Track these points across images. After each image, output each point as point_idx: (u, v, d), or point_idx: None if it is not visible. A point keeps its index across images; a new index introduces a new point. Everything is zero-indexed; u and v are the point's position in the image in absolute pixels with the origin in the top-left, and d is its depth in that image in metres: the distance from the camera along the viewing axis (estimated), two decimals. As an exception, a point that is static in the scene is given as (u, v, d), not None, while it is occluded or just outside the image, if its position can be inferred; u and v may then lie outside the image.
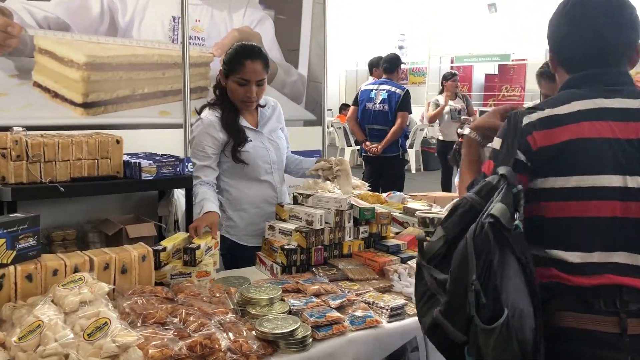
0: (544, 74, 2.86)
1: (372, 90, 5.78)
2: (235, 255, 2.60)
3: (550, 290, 1.36)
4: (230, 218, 2.62)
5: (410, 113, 5.76)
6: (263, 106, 2.68)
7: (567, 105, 1.42)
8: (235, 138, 2.52)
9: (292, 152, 2.84)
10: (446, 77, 7.84)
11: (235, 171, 2.57)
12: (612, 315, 1.31)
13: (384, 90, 5.70)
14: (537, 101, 3.10)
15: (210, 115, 2.54)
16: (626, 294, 1.32)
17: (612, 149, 1.36)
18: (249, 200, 2.61)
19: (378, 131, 5.68)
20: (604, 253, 1.34)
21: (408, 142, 11.51)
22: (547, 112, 1.42)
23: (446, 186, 7.38)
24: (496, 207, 1.25)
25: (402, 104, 5.63)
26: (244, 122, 2.58)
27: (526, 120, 1.42)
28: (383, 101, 5.65)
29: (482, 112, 8.80)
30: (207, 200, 2.43)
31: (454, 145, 6.78)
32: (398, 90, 5.67)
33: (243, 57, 2.46)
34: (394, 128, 5.62)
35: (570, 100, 1.43)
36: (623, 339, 1.30)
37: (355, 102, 5.90)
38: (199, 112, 2.60)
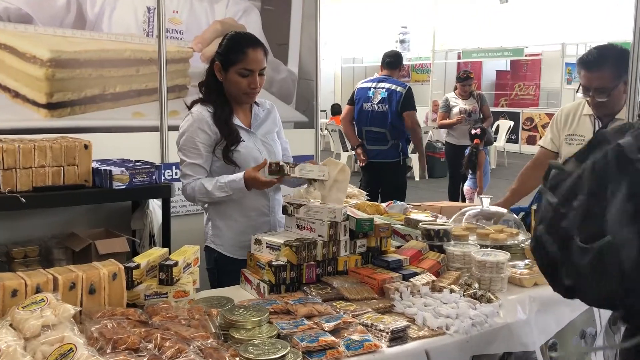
0: (585, 62, 2.82)
1: (369, 88, 5.77)
2: (222, 269, 2.61)
3: None
4: (217, 227, 2.63)
5: (415, 111, 5.74)
6: (258, 105, 2.73)
7: None
8: (229, 136, 2.56)
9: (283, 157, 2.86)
10: (460, 79, 7.70)
11: (223, 171, 2.58)
12: None
13: (383, 88, 5.69)
14: (580, 97, 3.10)
15: (202, 111, 2.59)
16: None
17: None
18: (238, 208, 2.62)
19: (375, 134, 5.67)
20: None
21: (410, 147, 11.54)
22: None
23: (454, 195, 7.38)
24: (626, 139, 1.30)
25: (406, 102, 5.61)
26: (236, 121, 2.62)
27: None
28: (382, 101, 5.65)
29: (493, 113, 8.81)
30: (224, 177, 2.52)
31: (468, 149, 6.81)
32: (399, 88, 5.65)
33: (244, 45, 2.54)
34: (413, 137, 5.65)
35: None
36: None
37: (351, 101, 5.90)
38: (190, 107, 2.64)
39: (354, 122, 5.88)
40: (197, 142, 2.55)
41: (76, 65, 3.50)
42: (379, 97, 5.67)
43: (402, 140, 5.68)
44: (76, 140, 3.14)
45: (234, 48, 2.55)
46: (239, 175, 2.49)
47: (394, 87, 5.67)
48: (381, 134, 5.65)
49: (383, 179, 5.70)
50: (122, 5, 3.66)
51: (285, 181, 2.83)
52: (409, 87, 5.76)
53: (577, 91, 3.11)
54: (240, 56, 2.52)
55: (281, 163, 2.45)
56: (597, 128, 2.99)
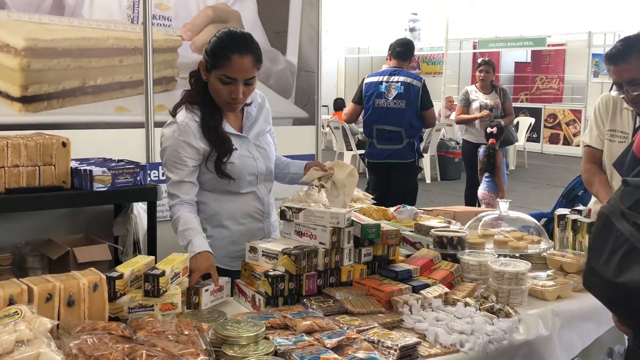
0: (610, 57, 2.81)
1: (381, 82, 5.67)
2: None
3: None
4: (209, 236, 2.62)
5: (433, 107, 5.71)
6: (249, 104, 2.68)
7: None
8: (220, 148, 2.52)
9: (279, 155, 2.86)
10: (479, 65, 7.59)
11: (214, 183, 2.57)
12: None
13: (397, 82, 5.60)
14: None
15: (187, 120, 2.53)
16: None
17: None
18: (229, 215, 2.62)
19: (390, 133, 5.61)
20: None
21: (422, 146, 11.55)
22: None
23: (471, 199, 7.34)
24: None
25: (425, 99, 5.56)
26: (226, 127, 2.59)
27: None
28: (398, 96, 5.55)
29: (516, 110, 8.76)
30: (195, 233, 2.43)
31: (484, 150, 6.79)
32: (415, 82, 5.57)
33: (230, 50, 2.44)
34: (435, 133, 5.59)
35: None
36: None
37: (359, 99, 5.80)
38: (173, 114, 2.58)
39: (364, 123, 5.79)
40: (184, 157, 2.50)
41: (54, 54, 3.51)
42: (394, 93, 5.57)
43: (417, 139, 5.64)
44: (53, 137, 3.14)
45: (219, 51, 2.45)
46: (194, 249, 2.38)
47: (409, 80, 5.57)
48: (396, 132, 5.58)
49: (394, 180, 5.68)
50: (104, -11, 3.66)
51: (284, 178, 2.84)
52: (424, 81, 5.71)
53: (610, 90, 3.07)
54: (223, 61, 2.43)
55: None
56: (638, 124, 2.96)
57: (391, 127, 5.61)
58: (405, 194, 5.38)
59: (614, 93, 3.00)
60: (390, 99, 5.58)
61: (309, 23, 4.53)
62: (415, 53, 6.37)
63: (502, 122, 7.02)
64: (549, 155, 15.15)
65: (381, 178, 5.73)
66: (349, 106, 6.08)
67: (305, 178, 2.63)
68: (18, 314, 1.58)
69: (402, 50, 5.71)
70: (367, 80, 5.81)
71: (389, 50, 5.80)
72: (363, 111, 5.83)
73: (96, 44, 3.64)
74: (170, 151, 2.52)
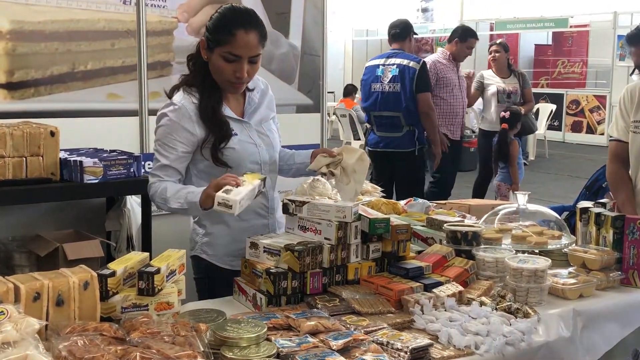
0: (630, 38, 2.82)
1: (378, 66, 5.75)
2: (214, 281, 2.61)
3: None
4: (209, 233, 2.63)
5: (430, 92, 5.73)
6: (252, 89, 2.69)
7: None
8: (217, 133, 2.52)
9: (283, 147, 2.86)
10: (490, 47, 7.65)
11: (214, 172, 2.57)
12: None
13: (393, 65, 5.66)
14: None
15: (185, 101, 2.54)
16: None
17: None
18: None
19: (387, 119, 5.65)
20: None
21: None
22: None
23: (478, 191, 7.32)
24: None
25: (420, 81, 5.57)
26: (226, 111, 2.59)
27: None
28: (393, 79, 5.61)
29: (536, 96, 8.69)
30: (187, 189, 2.45)
31: (498, 136, 6.78)
32: (412, 63, 5.61)
33: (234, 25, 2.45)
34: (426, 122, 5.61)
35: None
36: None
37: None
38: (170, 95, 2.60)
39: (363, 108, 5.89)
40: (176, 141, 2.50)
41: (41, 38, 3.51)
42: (390, 76, 5.63)
43: (417, 126, 5.64)
44: (41, 126, 3.15)
45: (222, 27, 2.47)
46: (199, 189, 2.39)
47: (405, 62, 5.62)
48: (394, 118, 5.62)
49: (396, 172, 5.68)
50: (94, -32, 3.66)
51: (288, 170, 2.83)
52: (424, 62, 5.74)
53: (631, 74, 3.09)
54: (228, 37, 2.45)
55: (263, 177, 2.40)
56: None
57: (389, 112, 5.65)
58: (409, 187, 5.38)
59: (635, 77, 3.01)
60: (386, 82, 5.65)
61: (314, 3, 4.52)
62: (428, 35, 6.46)
63: (522, 110, 7.00)
64: (571, 145, 15.09)
65: (382, 169, 5.73)
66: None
67: (313, 166, 2.63)
68: (4, 314, 1.59)
69: (398, 32, 5.81)
70: (368, 64, 5.94)
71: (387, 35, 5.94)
72: (362, 98, 5.89)
73: (86, 26, 3.65)
74: (162, 132, 2.53)
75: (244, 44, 2.45)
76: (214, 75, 2.55)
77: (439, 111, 6.21)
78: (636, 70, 2.96)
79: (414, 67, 5.58)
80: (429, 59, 6.40)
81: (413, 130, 5.60)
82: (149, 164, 3.75)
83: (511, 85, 7.28)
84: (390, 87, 5.63)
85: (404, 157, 5.62)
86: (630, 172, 3.12)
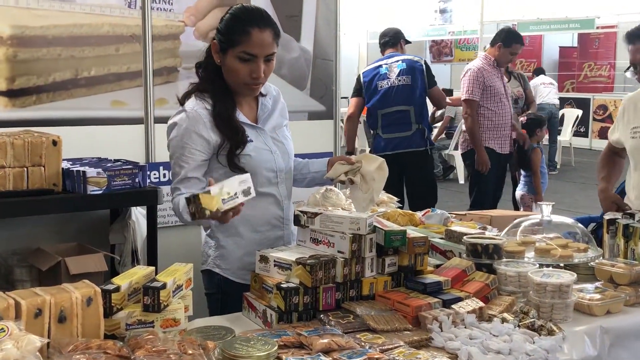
0: (628, 35, 2.91)
1: (380, 66, 5.82)
2: (227, 296, 2.61)
3: None
4: (222, 246, 2.64)
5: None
6: (264, 95, 2.72)
7: None
8: (233, 139, 2.55)
9: (295, 155, 2.87)
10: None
11: None
12: None
13: (398, 61, 5.76)
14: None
15: (198, 107, 2.57)
16: None
17: None
18: (244, 221, 2.63)
19: (398, 114, 5.66)
20: None
21: (453, 142, 11.53)
22: None
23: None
24: None
25: (430, 76, 5.70)
26: (240, 117, 2.62)
27: None
28: (402, 72, 5.67)
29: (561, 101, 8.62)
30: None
31: (516, 145, 6.72)
32: (417, 58, 5.78)
33: (248, 24, 2.51)
34: (441, 115, 5.66)
35: None
36: None
37: (358, 91, 5.90)
38: (182, 102, 2.63)
39: (368, 113, 5.89)
40: (193, 149, 2.53)
41: (43, 43, 3.54)
42: (397, 70, 5.69)
43: (426, 124, 5.67)
44: (43, 135, 3.17)
45: (235, 26, 2.52)
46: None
47: (410, 57, 5.76)
48: (404, 114, 5.64)
49: (408, 176, 5.65)
50: (98, -30, 3.69)
51: (302, 180, 2.84)
52: (425, 61, 5.89)
53: (625, 71, 3.21)
54: (242, 37, 2.49)
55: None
56: None
57: (399, 107, 5.67)
58: (423, 192, 5.36)
59: (628, 74, 3.13)
60: (394, 77, 5.69)
61: (326, 5, 4.53)
62: (447, 38, 6.53)
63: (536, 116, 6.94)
64: (599, 152, 14.88)
65: (394, 173, 5.70)
66: (351, 103, 6.08)
67: (330, 174, 2.64)
68: (4, 331, 1.60)
69: (388, 39, 5.94)
70: (365, 69, 6.01)
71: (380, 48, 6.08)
72: (366, 100, 5.89)
73: (90, 31, 3.67)
74: (177, 142, 2.56)
75: (259, 42, 2.50)
76: (228, 79, 2.59)
77: (486, 123, 6.08)
78: (631, 68, 3.05)
79: (420, 62, 5.72)
80: (472, 65, 6.26)
81: (423, 129, 5.63)
82: (154, 174, 3.78)
83: (516, 90, 7.12)
84: (400, 80, 5.68)
85: (416, 158, 5.61)
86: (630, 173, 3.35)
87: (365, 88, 5.82)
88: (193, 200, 2.11)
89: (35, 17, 3.51)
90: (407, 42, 6.10)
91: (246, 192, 2.27)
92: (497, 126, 6.14)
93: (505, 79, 6.42)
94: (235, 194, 2.20)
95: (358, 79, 5.96)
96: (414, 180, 5.62)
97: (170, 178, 2.65)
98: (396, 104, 5.68)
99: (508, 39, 6.29)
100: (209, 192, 2.13)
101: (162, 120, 3.53)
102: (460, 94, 6.27)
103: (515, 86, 7.13)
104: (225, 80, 2.62)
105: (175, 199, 2.53)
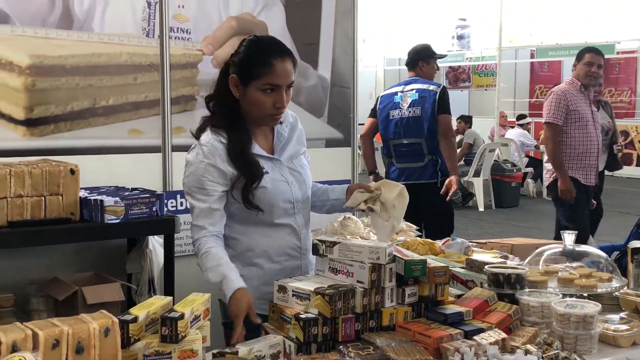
0: None
1: (396, 93, 5.75)
2: (246, 327, 2.60)
3: None
4: (240, 276, 2.64)
5: (451, 115, 5.64)
6: (281, 123, 2.73)
7: None
8: (248, 174, 2.56)
9: (314, 182, 2.87)
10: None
11: (245, 214, 2.60)
12: None
13: (412, 90, 5.66)
14: None
15: (213, 141, 2.58)
16: None
17: None
18: (262, 251, 2.64)
19: (408, 147, 5.61)
20: None
21: (472, 169, 11.49)
22: None
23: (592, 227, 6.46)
24: None
25: (442, 104, 5.52)
26: (255, 148, 2.63)
27: None
28: (413, 103, 5.58)
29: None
30: (229, 268, 2.48)
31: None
32: (432, 87, 5.59)
33: (270, 55, 2.53)
34: (443, 145, 5.48)
35: None
36: None
37: (374, 111, 5.88)
38: (197, 136, 2.64)
39: (382, 140, 5.83)
40: (209, 181, 2.54)
41: (61, 72, 3.57)
42: (409, 101, 5.60)
43: (439, 155, 5.60)
44: (60, 164, 3.20)
45: (256, 58, 2.53)
46: (230, 286, 2.43)
47: (425, 86, 5.62)
48: (416, 145, 5.57)
49: (422, 205, 5.62)
50: (116, 0, 3.74)
51: (322, 207, 2.85)
52: (444, 87, 5.72)
53: None
54: (266, 69, 2.51)
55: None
56: None
57: (409, 139, 5.59)
58: (437, 222, 5.32)
59: None
60: (405, 108, 5.60)
61: (344, 32, 4.57)
62: (465, 63, 6.46)
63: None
64: (621, 179, 14.89)
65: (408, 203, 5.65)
66: (366, 123, 6.02)
67: (350, 203, 2.64)
68: (22, 362, 1.61)
69: (408, 60, 5.89)
70: (383, 93, 5.96)
71: None
72: (379, 127, 5.84)
73: (108, 61, 3.71)
74: (194, 177, 2.57)
75: (282, 72, 2.53)
76: (250, 111, 2.60)
77: (569, 151, 5.72)
78: None
79: (434, 91, 5.56)
80: (557, 88, 5.90)
81: (436, 160, 5.55)
82: (172, 203, 3.79)
83: (605, 120, 6.51)
84: (410, 111, 5.58)
85: (427, 190, 5.55)
86: None
87: (378, 114, 5.80)
88: (220, 356, 2.12)
89: (53, 47, 3.55)
90: (439, 56, 5.96)
91: (275, 357, 2.23)
92: (581, 155, 5.73)
93: (594, 107, 5.95)
94: (264, 357, 2.19)
95: (377, 100, 5.94)
96: (429, 211, 5.57)
97: (191, 214, 2.65)
98: (406, 136, 5.60)
99: (580, 53, 5.93)
100: (237, 352, 2.13)
101: (179, 148, 3.55)
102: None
103: (604, 117, 6.57)
104: (240, 113, 2.63)
105: (202, 248, 2.55)
